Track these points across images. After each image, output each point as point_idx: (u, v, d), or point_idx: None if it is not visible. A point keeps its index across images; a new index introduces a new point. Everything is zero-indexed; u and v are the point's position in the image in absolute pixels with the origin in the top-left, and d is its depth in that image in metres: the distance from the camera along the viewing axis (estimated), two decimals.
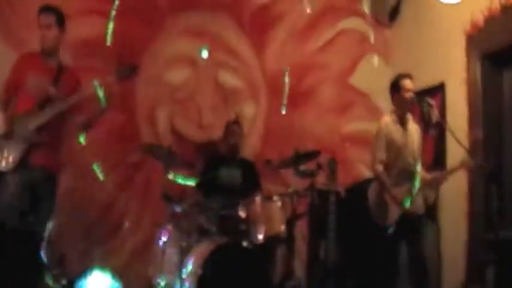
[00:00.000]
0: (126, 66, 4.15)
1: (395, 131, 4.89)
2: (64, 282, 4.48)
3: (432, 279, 5.16)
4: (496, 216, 4.63)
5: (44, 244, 4.24)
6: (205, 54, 6.01)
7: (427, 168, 5.14)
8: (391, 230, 4.71)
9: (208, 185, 5.33)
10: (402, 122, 4.93)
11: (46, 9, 4.17)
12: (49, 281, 4.27)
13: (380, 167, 4.81)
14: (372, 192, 4.93)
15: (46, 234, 4.26)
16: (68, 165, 5.31)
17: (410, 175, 4.86)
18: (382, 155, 4.83)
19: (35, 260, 4.07)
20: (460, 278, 5.17)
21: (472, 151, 4.86)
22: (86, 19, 5.59)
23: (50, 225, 4.30)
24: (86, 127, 4.33)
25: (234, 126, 5.63)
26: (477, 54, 5.46)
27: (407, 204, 4.72)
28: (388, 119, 4.94)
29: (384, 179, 4.79)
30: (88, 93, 4.12)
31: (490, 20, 5.28)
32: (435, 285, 5.38)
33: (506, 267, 4.41)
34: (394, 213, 4.74)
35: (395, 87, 4.93)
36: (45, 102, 4.05)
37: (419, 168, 4.93)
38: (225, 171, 5.50)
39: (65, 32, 4.27)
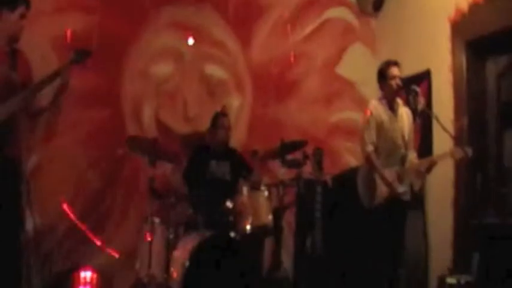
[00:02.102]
0: (80, 51, 4.09)
1: (384, 114, 4.90)
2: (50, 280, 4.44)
3: (419, 264, 5.19)
4: (480, 203, 4.67)
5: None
6: (191, 42, 5.99)
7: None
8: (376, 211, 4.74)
9: (196, 177, 5.32)
10: (391, 107, 4.95)
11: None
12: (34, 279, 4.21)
13: (370, 148, 4.82)
14: (361, 173, 4.94)
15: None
16: (53, 162, 5.36)
17: (399, 158, 4.88)
18: (372, 136, 4.84)
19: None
20: (446, 265, 5.19)
21: (457, 138, 4.88)
22: (70, 14, 5.54)
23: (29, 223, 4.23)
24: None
25: (222, 119, 5.59)
26: (462, 42, 5.48)
27: (397, 186, 4.76)
28: (376, 103, 4.96)
29: (374, 159, 4.80)
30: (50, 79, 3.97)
31: (474, 7, 5.31)
32: (422, 272, 5.42)
33: (490, 253, 4.43)
34: (381, 194, 4.76)
35: (383, 75, 4.94)
36: (8, 90, 3.86)
37: (411, 152, 4.95)
38: (214, 164, 5.49)
39: None
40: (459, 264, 5.10)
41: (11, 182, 3.90)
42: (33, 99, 4.06)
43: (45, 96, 4.09)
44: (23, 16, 4.01)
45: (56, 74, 3.98)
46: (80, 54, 4.03)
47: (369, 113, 4.91)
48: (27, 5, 4.02)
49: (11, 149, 3.92)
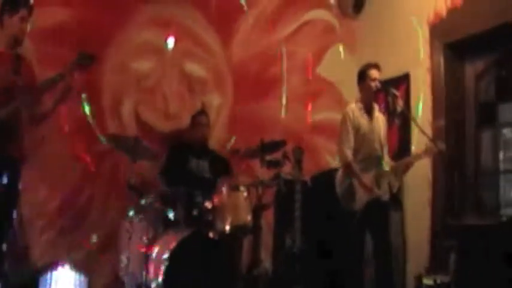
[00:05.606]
0: (85, 55, 4.09)
1: (361, 118, 4.92)
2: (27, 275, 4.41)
3: (397, 265, 5.23)
4: (458, 204, 4.72)
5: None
6: (170, 44, 5.97)
7: (392, 157, 5.20)
8: (358, 216, 4.75)
9: (174, 175, 5.30)
10: (368, 111, 4.98)
11: (28, 2, 4.08)
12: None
13: (350, 156, 4.82)
14: (339, 179, 4.96)
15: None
16: (33, 156, 5.28)
17: (376, 161, 4.91)
18: (350, 141, 4.85)
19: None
20: (424, 264, 5.25)
21: (435, 139, 4.93)
22: (51, 7, 5.47)
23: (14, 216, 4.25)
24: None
25: (201, 118, 5.61)
26: (440, 45, 5.56)
27: (375, 189, 4.78)
28: (353, 107, 4.99)
29: (354, 166, 4.81)
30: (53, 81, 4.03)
31: (453, 10, 5.40)
32: (400, 271, 5.46)
33: (467, 252, 4.49)
34: (361, 199, 4.78)
35: (362, 76, 4.99)
36: (11, 94, 3.93)
37: (385, 155, 5.00)
38: (193, 162, 5.49)
39: None
40: (436, 264, 5.16)
41: (12, 181, 3.96)
42: (37, 103, 4.12)
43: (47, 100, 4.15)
44: (23, 19, 4.02)
45: (58, 77, 4.00)
46: (84, 58, 4.04)
47: (346, 117, 4.93)
48: (29, 9, 4.06)
49: (13, 149, 3.99)
